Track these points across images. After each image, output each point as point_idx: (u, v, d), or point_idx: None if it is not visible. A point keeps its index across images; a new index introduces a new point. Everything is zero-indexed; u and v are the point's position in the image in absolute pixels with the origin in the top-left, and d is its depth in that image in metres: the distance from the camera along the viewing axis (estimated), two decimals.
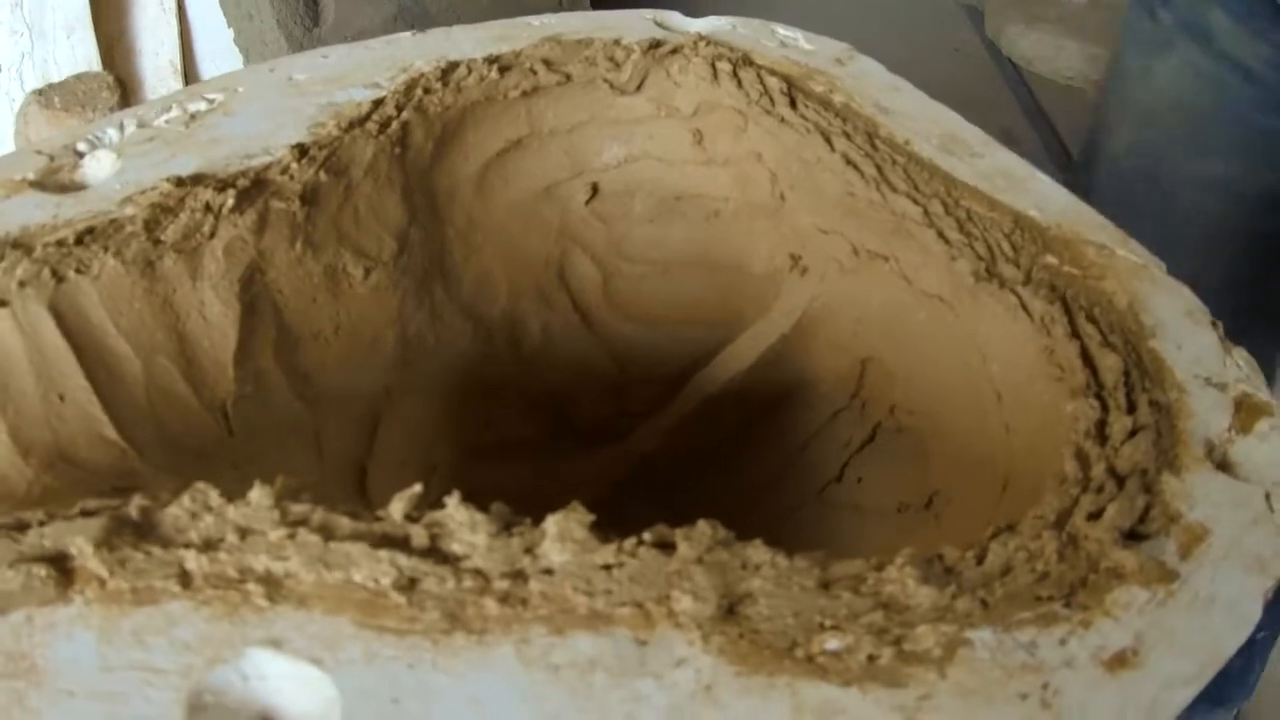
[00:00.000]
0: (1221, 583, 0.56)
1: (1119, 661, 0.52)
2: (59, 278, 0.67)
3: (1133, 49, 1.24)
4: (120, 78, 1.79)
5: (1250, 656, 1.23)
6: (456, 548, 0.52)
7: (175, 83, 1.88)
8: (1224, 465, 0.63)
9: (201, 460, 0.69)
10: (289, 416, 0.77)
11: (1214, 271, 0.85)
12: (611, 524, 0.54)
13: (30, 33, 1.81)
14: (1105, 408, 0.65)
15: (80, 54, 1.81)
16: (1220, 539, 0.58)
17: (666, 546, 0.53)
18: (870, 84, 0.90)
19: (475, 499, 0.54)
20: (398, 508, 0.53)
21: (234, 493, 0.55)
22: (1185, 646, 0.53)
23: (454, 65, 0.87)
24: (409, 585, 0.51)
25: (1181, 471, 0.62)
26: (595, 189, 0.97)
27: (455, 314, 0.91)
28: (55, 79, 1.78)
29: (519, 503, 0.56)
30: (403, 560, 0.51)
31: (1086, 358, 0.68)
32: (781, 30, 0.95)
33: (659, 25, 0.95)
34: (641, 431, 0.92)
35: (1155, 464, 0.62)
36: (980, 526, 0.66)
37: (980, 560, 0.55)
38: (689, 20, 0.95)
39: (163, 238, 0.71)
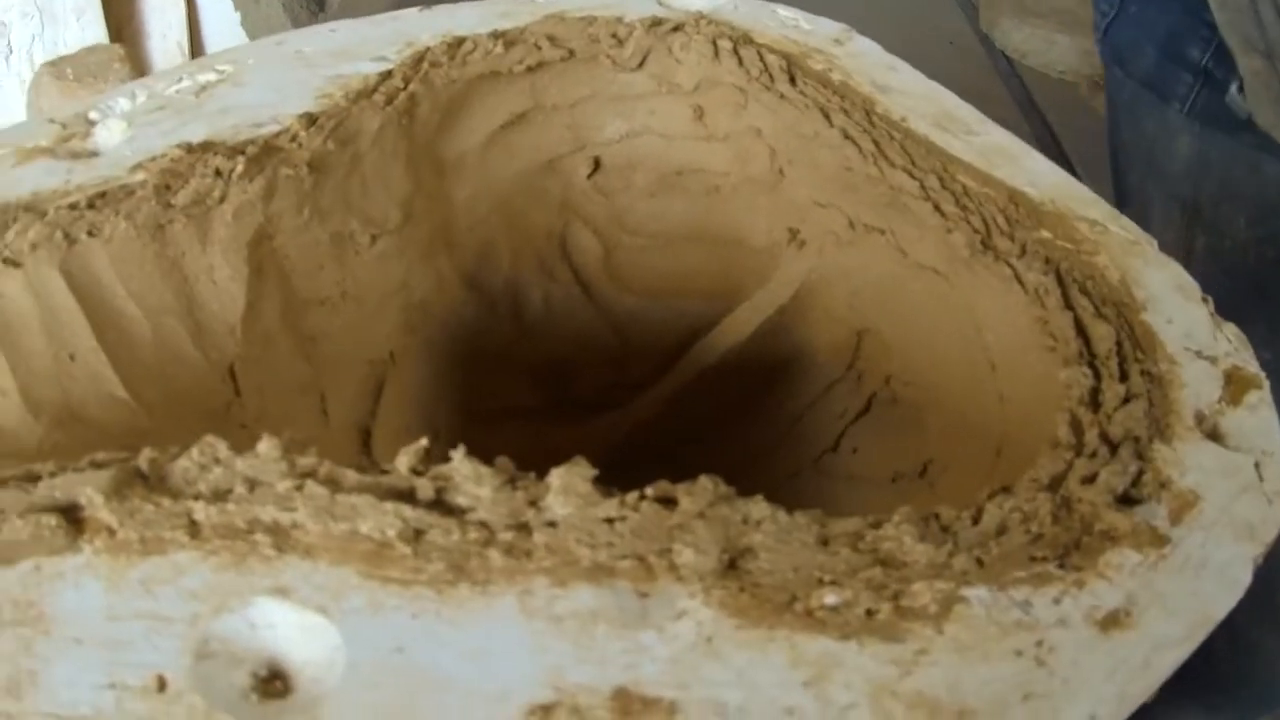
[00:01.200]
0: (1212, 548, 0.57)
1: (1111, 621, 0.53)
2: (70, 240, 0.67)
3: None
4: (130, 59, 1.80)
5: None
6: (462, 500, 0.53)
7: None
8: (1214, 435, 0.64)
9: (209, 420, 0.69)
10: (295, 379, 0.78)
11: None
12: (596, 480, 0.54)
13: (41, 15, 1.82)
14: (1098, 376, 0.66)
15: (90, 36, 1.82)
16: (1211, 506, 0.59)
17: (668, 501, 0.53)
18: (868, 63, 0.91)
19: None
20: (404, 461, 0.53)
21: (242, 448, 0.55)
22: (1176, 609, 0.54)
23: (460, 40, 0.88)
24: (414, 537, 0.51)
25: (1173, 440, 0.63)
26: (597, 163, 0.97)
27: (459, 283, 0.92)
28: None
29: (521, 467, 0.56)
30: (408, 512, 0.51)
31: (1080, 328, 0.69)
32: (781, 10, 0.96)
33: (660, 3, 0.95)
34: (640, 400, 0.93)
35: (1147, 432, 0.62)
36: (974, 494, 0.67)
37: (976, 520, 0.56)
38: None
39: (173, 202, 0.71)
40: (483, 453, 0.55)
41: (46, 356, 0.65)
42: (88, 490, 0.52)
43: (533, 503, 0.53)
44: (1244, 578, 0.56)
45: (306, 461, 0.53)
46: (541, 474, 0.55)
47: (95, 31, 1.81)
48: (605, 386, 0.98)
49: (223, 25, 1.89)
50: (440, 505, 0.53)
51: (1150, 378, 0.66)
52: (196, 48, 1.91)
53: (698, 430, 0.93)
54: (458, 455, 0.53)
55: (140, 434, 0.65)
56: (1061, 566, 0.54)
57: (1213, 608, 0.54)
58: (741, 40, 0.90)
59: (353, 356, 0.83)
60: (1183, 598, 0.54)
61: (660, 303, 1.00)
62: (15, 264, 0.66)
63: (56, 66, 1.67)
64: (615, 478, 0.56)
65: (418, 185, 0.87)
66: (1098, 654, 0.51)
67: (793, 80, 0.87)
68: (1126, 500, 0.59)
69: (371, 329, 0.85)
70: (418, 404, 0.86)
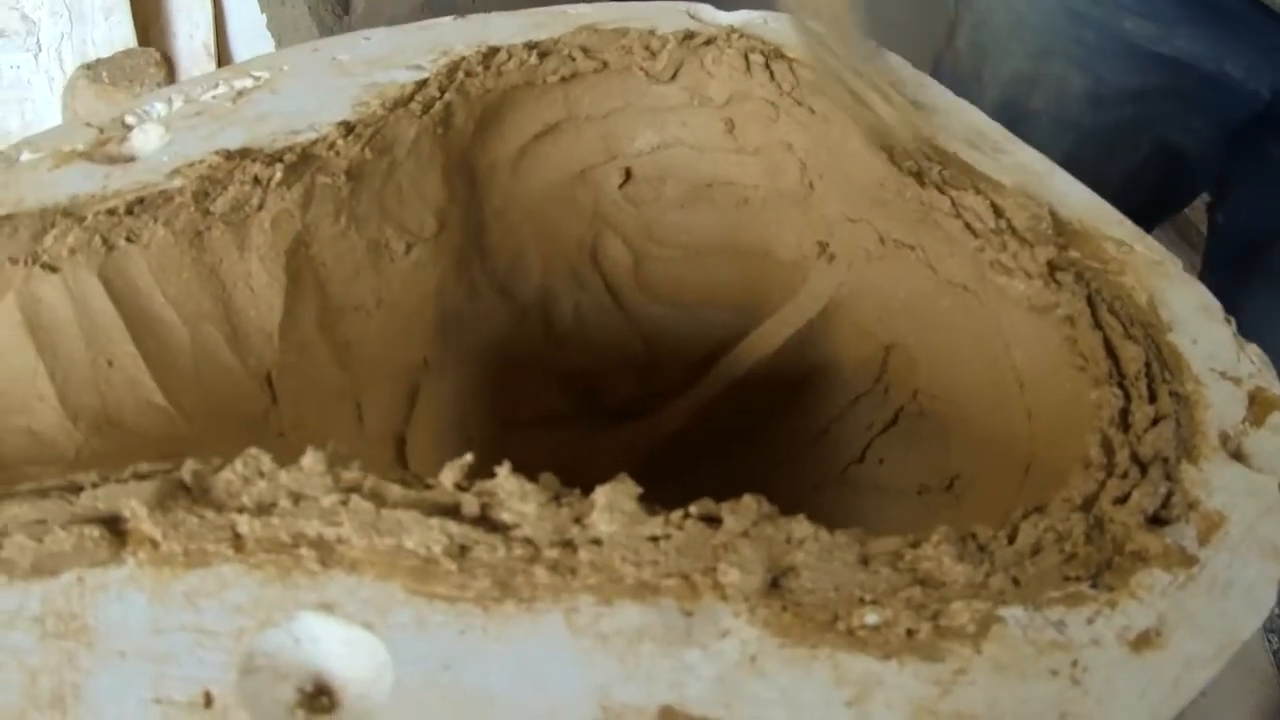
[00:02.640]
0: (1238, 568, 0.58)
1: (1143, 641, 0.53)
2: (109, 246, 0.67)
3: None
4: None
5: None
6: (507, 516, 0.53)
7: (209, 65, 1.90)
8: (1238, 455, 0.65)
9: (246, 427, 0.70)
10: (331, 386, 0.78)
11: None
12: (640, 498, 0.55)
13: (70, 14, 1.83)
14: (1128, 397, 0.66)
15: (117, 35, 1.83)
16: (1236, 526, 0.60)
17: (712, 520, 0.54)
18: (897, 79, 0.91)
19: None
20: (448, 476, 0.53)
21: (280, 459, 0.55)
22: (1204, 628, 0.55)
23: (495, 50, 0.88)
24: (460, 553, 0.52)
25: (1199, 460, 0.63)
26: (628, 173, 0.98)
27: (491, 291, 0.93)
28: (94, 59, 1.80)
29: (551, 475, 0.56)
30: (454, 528, 0.52)
31: (1109, 348, 0.69)
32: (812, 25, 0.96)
33: (692, 17, 0.95)
34: (670, 410, 0.94)
35: (1175, 452, 0.63)
36: (1001, 510, 0.68)
37: (1012, 539, 0.56)
38: (721, 13, 0.96)
39: (211, 209, 0.71)
40: (515, 461, 0.55)
41: (84, 363, 0.65)
42: (131, 502, 0.52)
43: (577, 519, 0.53)
44: (1269, 598, 0.57)
45: (351, 475, 0.53)
46: (573, 483, 0.55)
47: (123, 31, 1.82)
48: (633, 395, 0.98)
49: (248, 26, 1.90)
50: (485, 521, 0.53)
51: (1178, 398, 0.67)
52: (222, 48, 1.91)
53: (726, 439, 0.93)
54: (503, 471, 0.53)
55: (179, 441, 0.65)
56: (1094, 586, 0.55)
57: (1239, 627, 0.55)
58: (773, 54, 0.90)
59: (387, 363, 0.83)
60: (1211, 617, 0.55)
61: (688, 312, 1.00)
62: (53, 269, 0.66)
63: (92, 69, 1.68)
64: (645, 486, 0.56)
65: (452, 194, 0.88)
66: (1130, 673, 0.52)
67: (823, 94, 0.87)
68: (1156, 521, 0.60)
69: (406, 336, 0.85)
70: (451, 411, 0.87)
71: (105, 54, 1.81)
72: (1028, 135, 0.88)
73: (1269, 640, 1.13)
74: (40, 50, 1.85)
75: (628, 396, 0.98)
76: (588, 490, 0.55)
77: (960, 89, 0.93)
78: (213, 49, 1.90)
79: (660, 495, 0.55)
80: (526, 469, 0.56)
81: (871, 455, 0.89)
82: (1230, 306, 0.76)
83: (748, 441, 0.94)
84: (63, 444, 0.62)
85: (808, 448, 0.92)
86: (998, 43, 1.29)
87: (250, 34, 1.92)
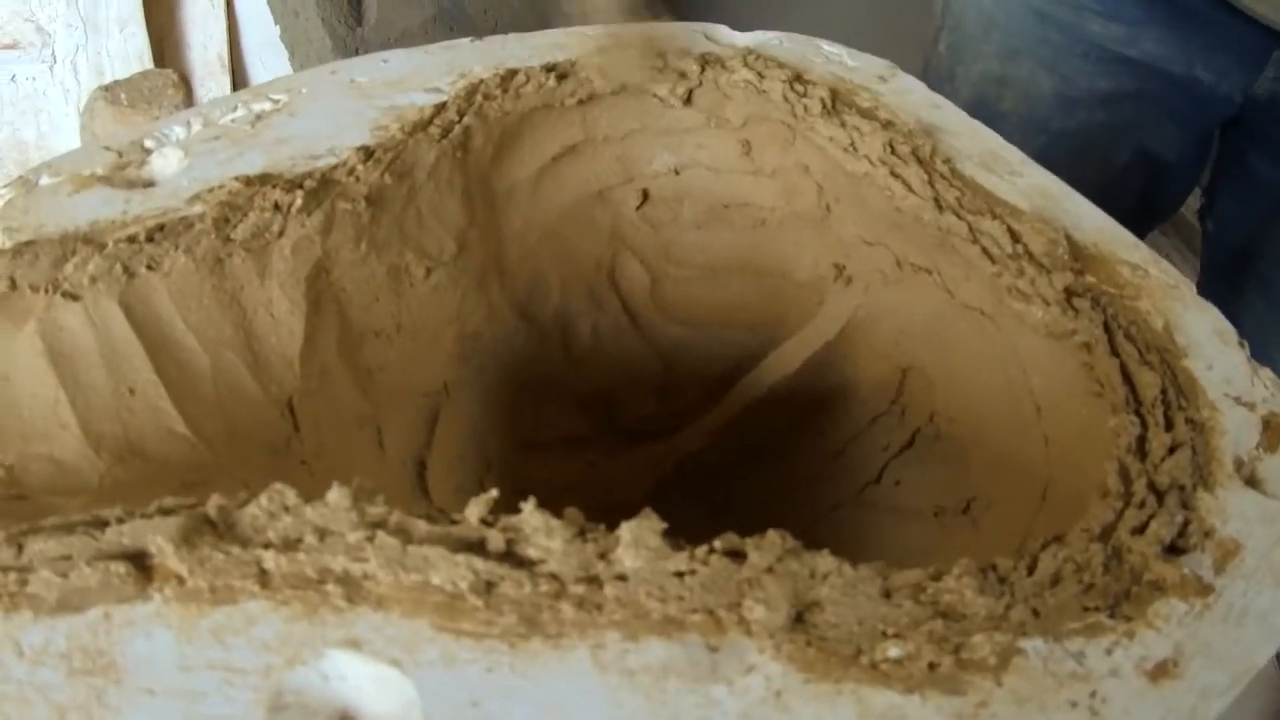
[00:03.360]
0: (1253, 596, 0.58)
1: (1161, 671, 0.54)
2: (130, 273, 0.68)
3: None
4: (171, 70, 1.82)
5: None
6: (533, 552, 0.53)
7: (223, 76, 1.90)
8: (1252, 481, 0.65)
9: (268, 454, 0.70)
10: (352, 411, 0.78)
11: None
12: (665, 532, 0.55)
13: (85, 26, 1.84)
14: (1145, 424, 0.67)
15: (132, 47, 1.83)
16: (1252, 553, 0.60)
17: (737, 555, 0.54)
18: (912, 100, 0.92)
19: (529, 493, 0.55)
20: (474, 511, 0.54)
21: (302, 487, 0.55)
22: (1220, 657, 0.55)
23: (513, 72, 0.88)
24: (486, 589, 0.52)
25: (1215, 488, 0.64)
26: (646, 195, 0.98)
27: (510, 313, 0.93)
28: (108, 71, 1.81)
29: (571, 496, 0.56)
30: (479, 564, 0.52)
31: (1126, 375, 0.70)
32: (826, 46, 0.96)
33: (707, 38, 0.96)
34: (689, 431, 0.94)
35: (1191, 480, 0.64)
36: (1018, 533, 0.69)
37: (1031, 570, 0.57)
38: (736, 34, 0.97)
39: (232, 236, 0.72)
40: (534, 483, 0.56)
41: (106, 390, 0.65)
42: (157, 538, 0.52)
43: (603, 555, 0.53)
44: None
45: (376, 511, 0.54)
46: (594, 504, 0.56)
47: (138, 43, 1.83)
48: (651, 415, 0.99)
49: (262, 38, 1.91)
50: (511, 557, 0.53)
51: (1193, 425, 0.67)
52: (236, 60, 1.92)
53: (744, 460, 0.94)
54: (528, 507, 0.53)
55: (201, 469, 0.65)
56: (1112, 616, 0.56)
57: (1254, 656, 0.56)
58: (790, 77, 0.90)
59: (408, 388, 0.83)
60: (1226, 646, 0.55)
61: (706, 333, 1.01)
62: (75, 297, 0.66)
63: (110, 91, 1.69)
64: (664, 505, 0.56)
65: (471, 217, 0.88)
66: (1148, 704, 0.53)
67: (841, 119, 0.87)
68: (1173, 550, 0.60)
69: (426, 360, 0.85)
70: (471, 434, 0.87)
71: (120, 65, 1.82)
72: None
73: None
74: (55, 62, 1.86)
75: (646, 416, 0.99)
76: (609, 512, 0.55)
77: (938, 90, 0.94)
78: (227, 61, 1.91)
79: (679, 515, 0.55)
80: (546, 490, 0.56)
81: (888, 476, 0.89)
82: (1228, 316, 0.76)
83: (766, 461, 0.94)
84: (86, 472, 0.62)
85: (825, 468, 0.92)
86: (970, 44, 1.31)
87: (263, 46, 1.93)
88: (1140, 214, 1.31)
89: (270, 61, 1.92)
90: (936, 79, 1.00)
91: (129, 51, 1.83)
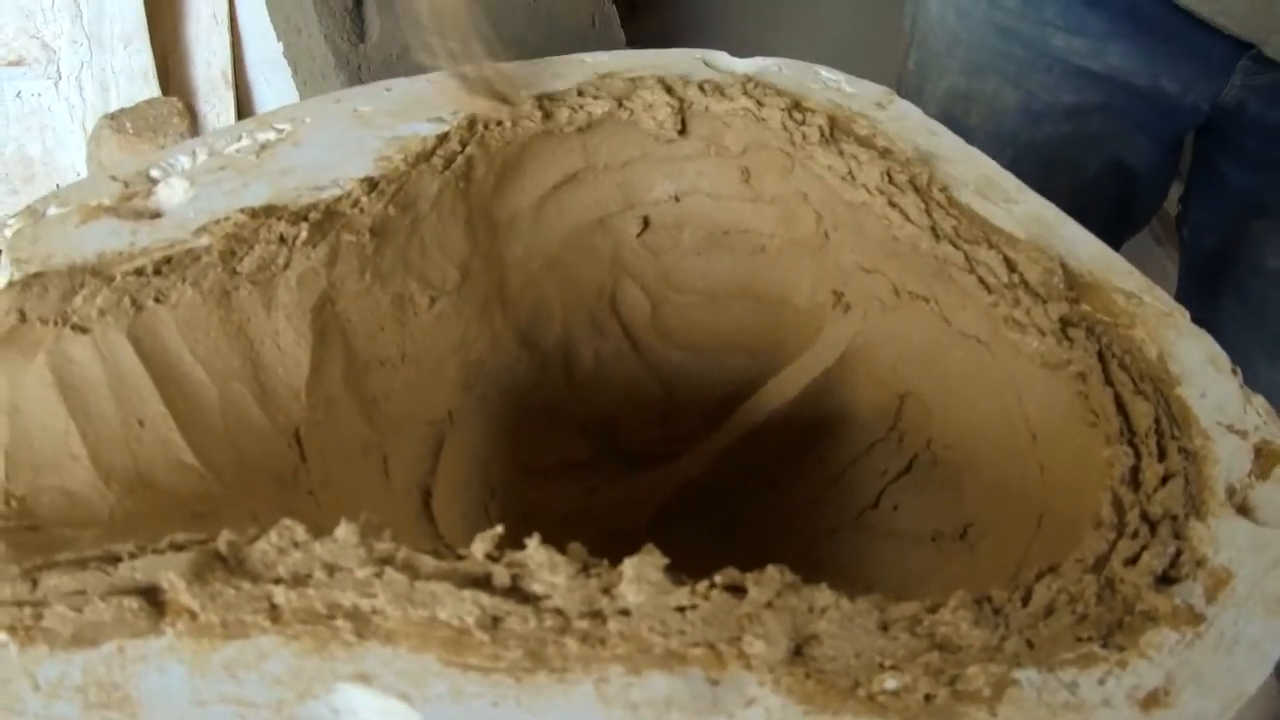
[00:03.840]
0: (1244, 624, 0.59)
1: (1152, 700, 0.55)
2: (138, 306, 0.68)
3: None
4: (175, 86, 1.82)
5: None
6: (537, 588, 0.54)
7: (226, 93, 1.91)
8: (1244, 509, 0.66)
9: (276, 484, 0.70)
10: (358, 441, 0.79)
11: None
12: (658, 544, 0.55)
13: (89, 42, 1.84)
14: (1138, 454, 0.68)
15: (136, 64, 1.84)
16: (1243, 582, 0.61)
17: (737, 590, 0.55)
18: (909, 127, 0.92)
19: (532, 518, 0.56)
20: (479, 548, 0.54)
21: (310, 518, 0.56)
22: (1211, 685, 0.56)
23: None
24: (492, 624, 0.53)
25: (1207, 516, 0.65)
26: (646, 222, 0.99)
27: (513, 340, 0.94)
28: (113, 87, 1.82)
29: (574, 521, 0.58)
30: (485, 600, 0.53)
31: (1120, 405, 0.71)
32: (824, 73, 0.97)
33: (707, 65, 0.96)
34: (689, 457, 0.95)
35: (1184, 509, 0.65)
36: (1014, 558, 0.70)
37: (1026, 601, 0.58)
38: (735, 60, 0.97)
39: (238, 268, 0.72)
40: (538, 508, 0.56)
41: (116, 422, 0.66)
42: (169, 574, 0.53)
43: (606, 590, 0.54)
44: (1273, 652, 0.58)
45: (384, 547, 0.54)
46: (597, 529, 0.57)
47: (142, 60, 1.83)
48: (653, 439, 1.00)
49: (265, 54, 1.91)
50: (516, 592, 0.54)
51: (1186, 454, 0.68)
52: (240, 75, 1.93)
53: (744, 484, 0.95)
54: (532, 543, 0.54)
55: (210, 500, 0.66)
56: (1105, 646, 0.57)
57: (1244, 683, 0.57)
58: (788, 105, 0.91)
59: (413, 417, 0.84)
60: (1217, 674, 0.57)
61: (706, 357, 1.01)
62: (84, 330, 0.67)
63: (116, 120, 1.70)
64: (665, 529, 0.57)
65: (474, 246, 0.89)
66: None
67: (839, 147, 0.88)
68: (1165, 579, 0.61)
69: (430, 389, 0.86)
70: (475, 461, 0.87)
71: (125, 81, 1.83)
72: None
73: None
74: (60, 78, 1.86)
75: (647, 441, 1.00)
76: (612, 536, 0.56)
77: None
78: (230, 76, 1.92)
79: (680, 538, 0.57)
80: (549, 516, 0.57)
81: (886, 501, 0.90)
82: (1206, 322, 0.78)
83: (765, 486, 0.95)
84: (97, 504, 0.63)
85: (823, 493, 0.93)
86: (936, 60, 1.32)
87: (267, 62, 1.94)
88: (1115, 223, 1.32)
89: (273, 77, 1.93)
90: (907, 96, 1.02)
91: (133, 68, 1.84)
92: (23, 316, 0.66)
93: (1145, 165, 1.31)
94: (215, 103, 1.91)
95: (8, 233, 0.74)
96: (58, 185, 1.95)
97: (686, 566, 0.55)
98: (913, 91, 1.32)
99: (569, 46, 0.96)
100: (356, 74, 1.83)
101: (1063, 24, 1.20)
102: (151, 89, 1.83)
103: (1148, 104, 1.24)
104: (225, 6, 1.90)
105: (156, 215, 0.77)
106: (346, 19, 1.84)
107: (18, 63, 1.86)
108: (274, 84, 1.94)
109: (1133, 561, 0.61)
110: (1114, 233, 1.20)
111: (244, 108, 1.96)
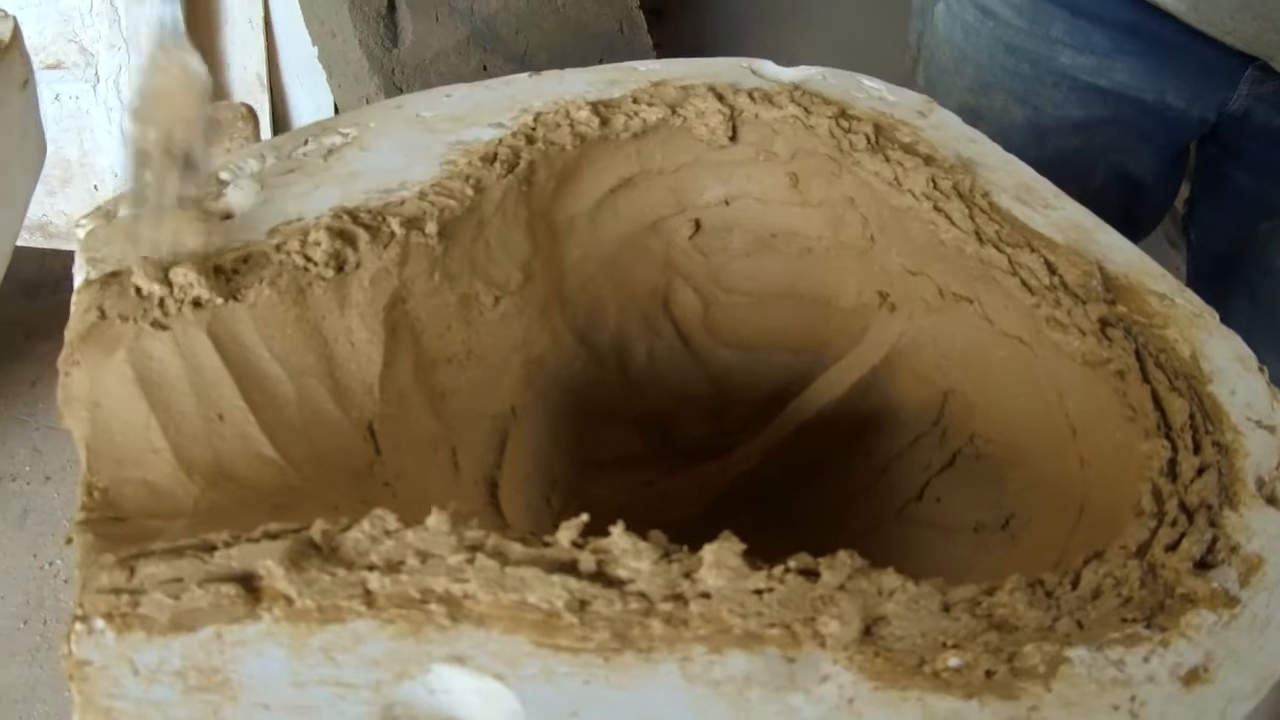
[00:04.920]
0: (1275, 607, 0.62)
1: (1193, 677, 0.58)
2: (216, 304, 0.70)
3: None
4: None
5: None
6: (622, 572, 0.56)
7: (262, 95, 1.92)
8: (1273, 500, 0.69)
9: (353, 477, 0.72)
10: (428, 435, 0.81)
11: None
12: (712, 535, 0.58)
13: (127, 46, 1.86)
14: (1175, 448, 0.70)
15: None
16: (1273, 567, 0.64)
17: (811, 574, 0.58)
18: (950, 135, 0.95)
19: (592, 511, 0.58)
20: (565, 535, 0.57)
21: (387, 508, 0.58)
22: (1246, 664, 0.59)
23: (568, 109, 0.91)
24: (580, 607, 0.55)
25: (1239, 506, 0.68)
26: (698, 225, 1.01)
27: (571, 339, 0.96)
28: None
29: (630, 514, 0.59)
30: (573, 584, 0.55)
31: (1157, 401, 0.73)
32: (867, 81, 0.99)
33: (754, 73, 0.98)
34: (741, 452, 0.97)
35: (1218, 500, 0.68)
36: (1055, 548, 0.73)
37: (1075, 585, 0.61)
38: (782, 69, 0.99)
39: (313, 269, 0.74)
40: (596, 501, 0.58)
41: (196, 417, 0.67)
42: (266, 561, 0.55)
43: (687, 574, 0.57)
44: None
45: (474, 534, 0.57)
46: (651, 521, 0.59)
47: None
48: (704, 435, 1.02)
49: (300, 59, 1.93)
50: (602, 577, 0.56)
51: (1219, 448, 0.71)
52: (275, 79, 1.94)
53: (792, 478, 0.97)
54: (616, 530, 0.57)
55: (290, 492, 0.67)
56: (1149, 627, 0.60)
57: (1277, 662, 0.59)
58: (835, 113, 0.93)
59: (478, 412, 0.86)
60: (1251, 653, 0.59)
61: (755, 356, 1.04)
62: (163, 327, 0.68)
63: None
64: (717, 522, 0.60)
65: (535, 248, 0.91)
66: (1182, 707, 0.56)
67: (885, 154, 0.90)
68: (1203, 565, 0.64)
69: (495, 385, 0.88)
70: (536, 455, 0.90)
71: None
72: None
73: None
74: (99, 81, 1.88)
75: (699, 437, 1.02)
76: (667, 529, 0.59)
77: None
78: (266, 80, 1.93)
79: (732, 530, 0.59)
80: (607, 510, 0.59)
81: (930, 494, 0.92)
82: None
83: (813, 479, 0.97)
84: (180, 496, 0.64)
85: (869, 486, 0.95)
86: (944, 78, 1.34)
87: (301, 66, 1.96)
88: (1121, 231, 1.34)
89: (309, 82, 1.94)
90: None
91: None
92: (102, 314, 0.68)
93: (1151, 175, 1.33)
94: (251, 105, 1.93)
95: (80, 233, 0.76)
96: (95, 187, 1.97)
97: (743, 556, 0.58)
98: None
99: (597, 50, 0.98)
100: (390, 78, 1.85)
101: (1070, 41, 1.22)
102: None
103: (1154, 117, 1.25)
104: (261, 11, 1.92)
105: (228, 216, 0.78)
106: (380, 24, 1.86)
107: (56, 66, 1.88)
108: (308, 88, 1.96)
109: (1173, 548, 0.63)
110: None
111: (279, 111, 1.98)
